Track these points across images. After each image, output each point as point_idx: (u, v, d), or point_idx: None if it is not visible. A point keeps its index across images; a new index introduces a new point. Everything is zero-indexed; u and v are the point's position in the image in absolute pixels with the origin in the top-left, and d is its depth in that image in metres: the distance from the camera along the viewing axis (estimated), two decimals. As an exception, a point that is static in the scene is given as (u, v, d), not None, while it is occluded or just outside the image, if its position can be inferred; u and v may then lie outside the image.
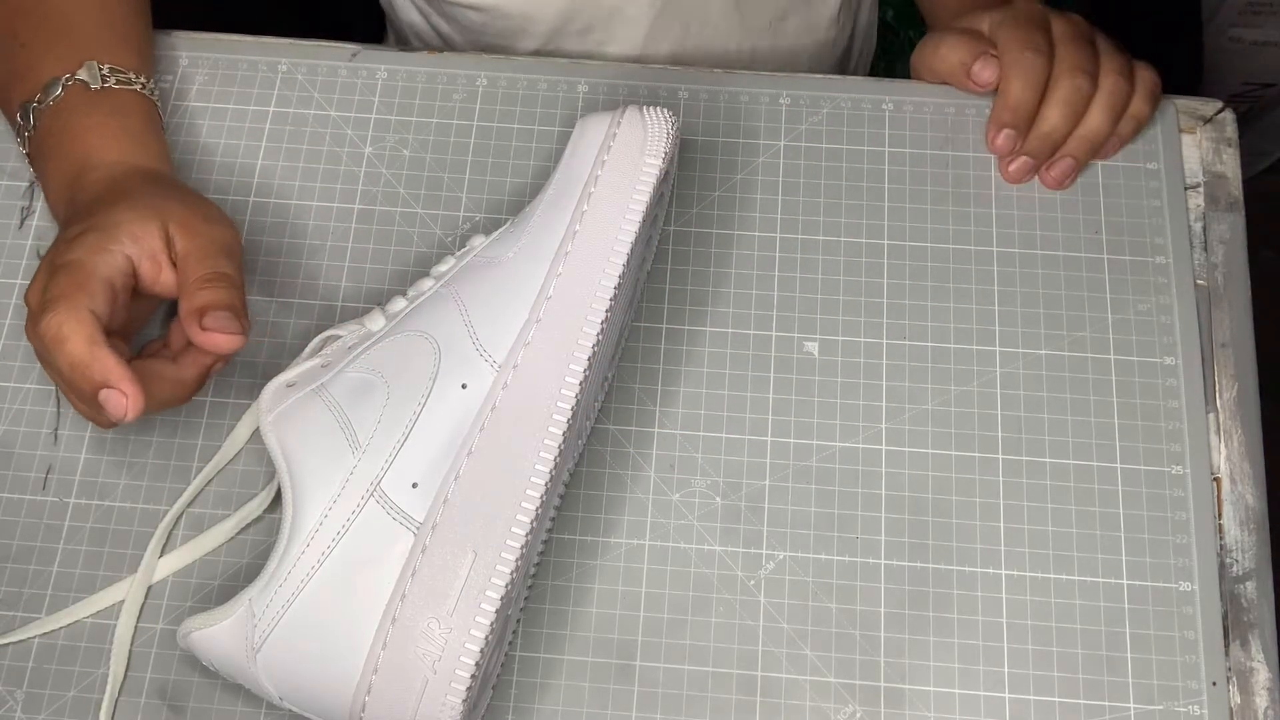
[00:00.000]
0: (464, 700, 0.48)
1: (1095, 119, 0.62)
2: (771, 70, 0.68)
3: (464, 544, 0.49)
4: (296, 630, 0.49)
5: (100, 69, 0.59)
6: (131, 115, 0.60)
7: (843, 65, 0.84)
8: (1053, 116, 0.62)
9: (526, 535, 0.49)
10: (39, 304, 0.53)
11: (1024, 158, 0.63)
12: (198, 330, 0.53)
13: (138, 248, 0.54)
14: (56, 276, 0.53)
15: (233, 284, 0.55)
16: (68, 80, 0.59)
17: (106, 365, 0.51)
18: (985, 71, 0.63)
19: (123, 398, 0.51)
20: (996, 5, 0.65)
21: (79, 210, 0.57)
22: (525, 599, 0.56)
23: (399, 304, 0.56)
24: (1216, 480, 0.58)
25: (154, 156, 0.60)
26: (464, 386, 0.52)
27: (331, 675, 0.49)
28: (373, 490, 0.50)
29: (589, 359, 0.52)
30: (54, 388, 0.60)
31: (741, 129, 0.65)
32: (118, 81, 0.60)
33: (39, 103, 0.59)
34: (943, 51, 0.65)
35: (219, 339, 0.53)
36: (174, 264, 0.55)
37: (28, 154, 0.61)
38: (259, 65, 0.67)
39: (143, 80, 0.61)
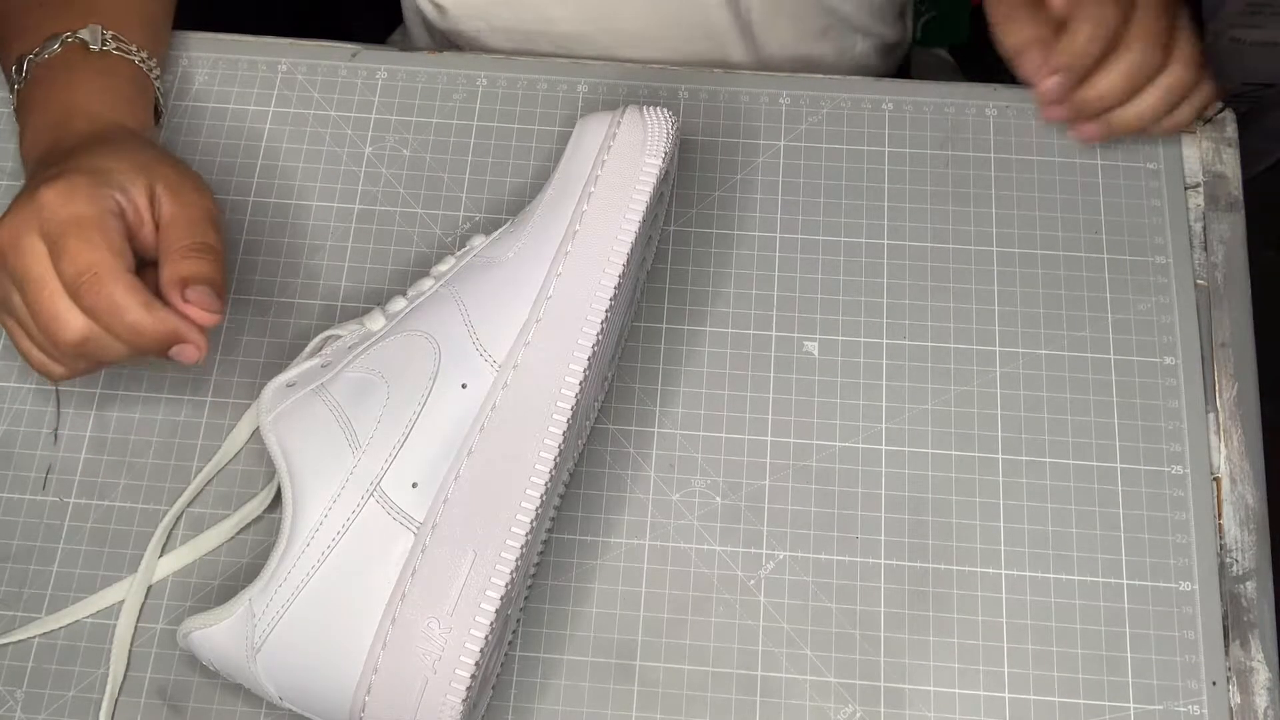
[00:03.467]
0: (464, 700, 0.47)
1: (1150, 100, 0.59)
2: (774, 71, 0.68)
3: (464, 544, 0.49)
4: (296, 630, 0.49)
5: (104, 33, 0.59)
6: (124, 81, 0.59)
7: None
8: (1110, 80, 0.59)
9: (526, 535, 0.49)
10: (73, 275, 0.51)
11: (1063, 107, 0.60)
12: (178, 299, 0.53)
13: (125, 199, 0.53)
14: (73, 240, 0.51)
15: (218, 258, 0.55)
16: (68, 38, 0.58)
17: (171, 321, 0.52)
18: None
19: (195, 349, 0.53)
20: None
21: (59, 154, 0.55)
22: (525, 599, 0.56)
23: (399, 304, 0.56)
24: (1216, 480, 0.58)
25: (141, 123, 0.60)
26: (464, 386, 0.52)
27: (331, 675, 0.49)
28: (373, 490, 0.50)
29: (589, 359, 0.52)
30: (54, 388, 0.60)
31: (741, 129, 0.65)
32: (118, 48, 0.59)
33: (35, 55, 0.58)
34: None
35: (197, 313, 0.53)
36: (155, 225, 0.54)
37: (15, 108, 0.60)
38: (259, 65, 0.67)
39: (144, 55, 0.60)
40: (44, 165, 0.55)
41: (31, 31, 0.60)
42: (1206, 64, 0.60)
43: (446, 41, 0.77)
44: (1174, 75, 0.59)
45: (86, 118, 0.57)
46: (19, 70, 0.59)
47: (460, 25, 0.74)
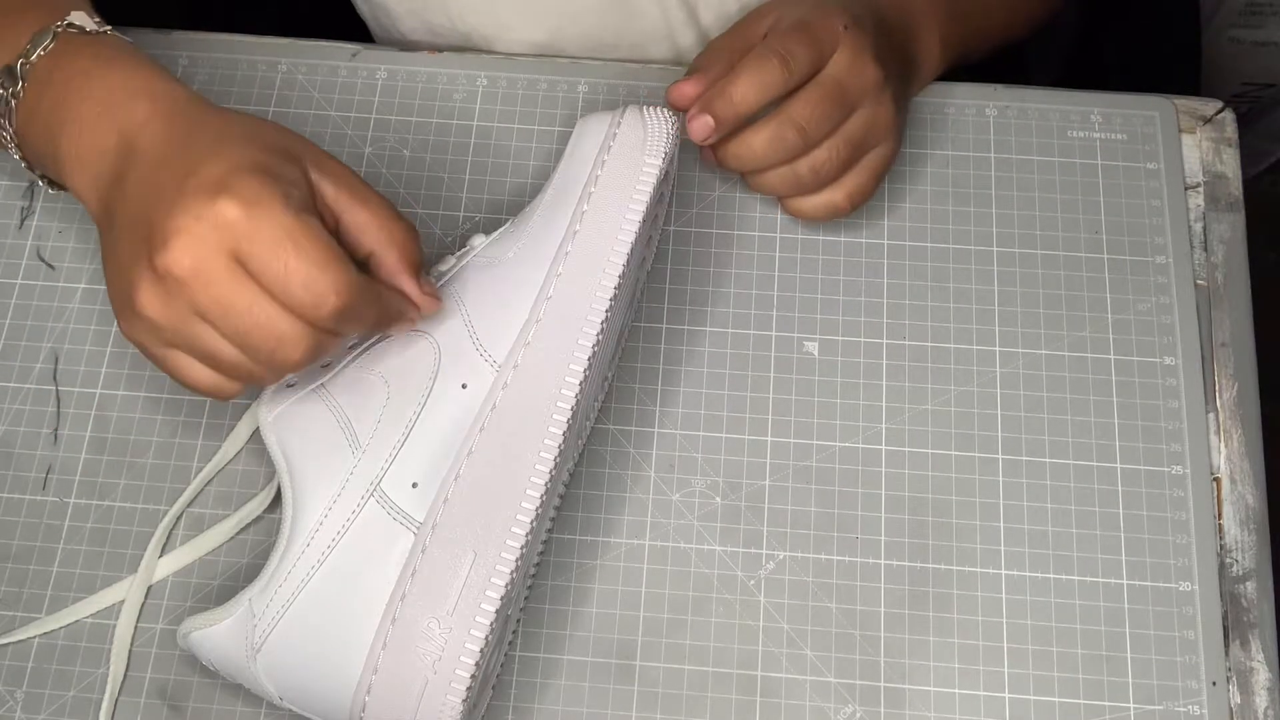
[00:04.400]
0: (464, 700, 0.48)
1: (784, 177, 0.58)
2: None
3: (464, 544, 0.49)
4: (296, 630, 0.49)
5: (93, 17, 0.53)
6: (143, 55, 0.53)
7: None
8: (754, 143, 0.57)
9: (526, 535, 0.49)
10: (303, 299, 0.46)
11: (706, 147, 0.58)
12: (419, 293, 0.51)
13: (301, 192, 0.48)
14: (293, 260, 0.45)
15: (415, 232, 0.52)
16: (58, 27, 0.52)
17: (398, 310, 0.51)
18: (685, 85, 0.57)
19: (411, 324, 0.52)
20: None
21: (151, 141, 0.49)
22: (525, 599, 0.56)
23: (399, 304, 0.56)
24: (1216, 480, 0.58)
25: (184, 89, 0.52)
26: (464, 386, 0.52)
27: (331, 675, 0.49)
28: (373, 490, 0.50)
29: (589, 359, 0.52)
30: (54, 388, 0.60)
31: (741, 129, 0.65)
32: (111, 31, 0.54)
33: (27, 57, 0.52)
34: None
35: (431, 303, 0.52)
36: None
37: (13, 129, 0.53)
38: (259, 65, 0.67)
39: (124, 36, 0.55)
40: (140, 174, 0.48)
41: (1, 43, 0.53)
42: (861, 198, 0.60)
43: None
44: (832, 198, 0.59)
45: (146, 95, 0.50)
46: (9, 80, 0.52)
47: (402, 26, 0.72)
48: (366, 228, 0.50)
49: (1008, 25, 0.71)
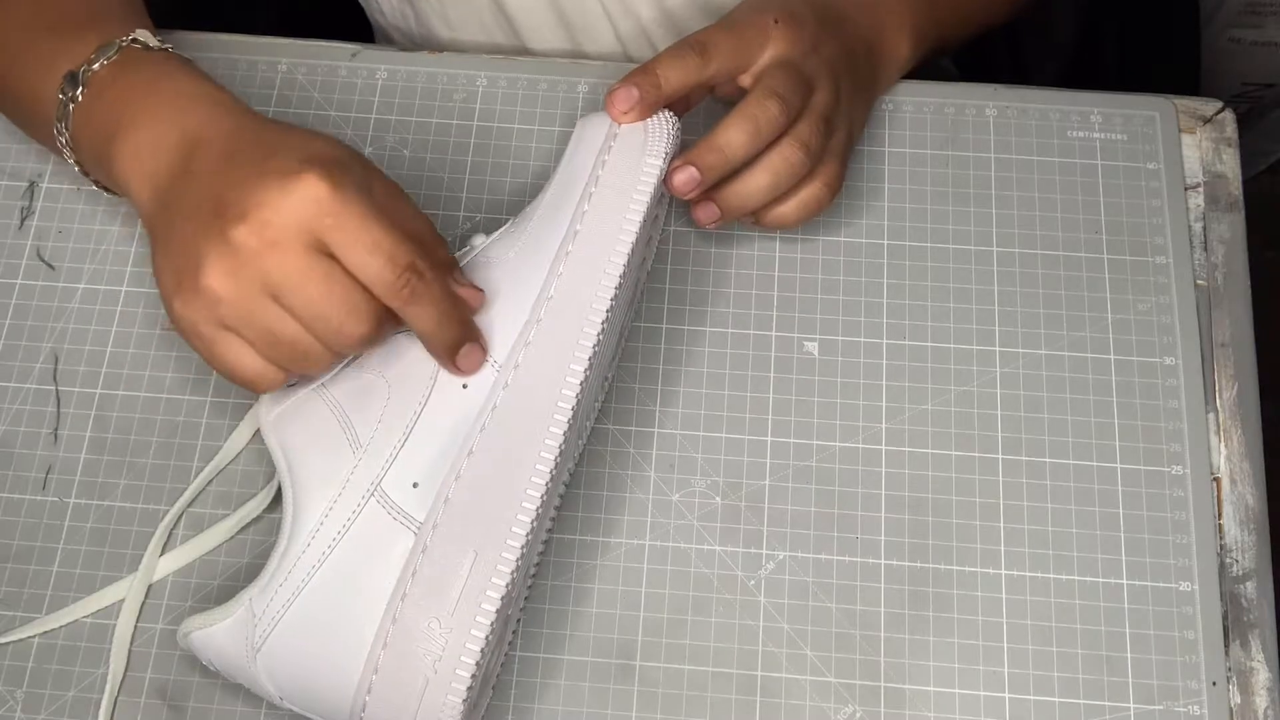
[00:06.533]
0: (464, 700, 0.48)
1: (775, 201, 0.58)
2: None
3: (465, 544, 0.49)
4: (297, 630, 0.49)
5: (156, 35, 0.55)
6: (203, 72, 0.55)
7: None
8: (751, 187, 0.57)
9: (527, 535, 0.49)
10: (382, 268, 0.47)
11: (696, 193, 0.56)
12: (464, 290, 0.52)
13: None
14: (376, 232, 0.47)
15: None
16: (123, 42, 0.54)
17: (467, 316, 0.51)
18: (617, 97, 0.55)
19: (482, 352, 0.52)
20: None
21: (224, 139, 0.50)
22: (525, 599, 0.56)
23: (399, 304, 0.56)
24: (1216, 480, 0.58)
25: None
26: (465, 386, 0.52)
27: (332, 675, 0.49)
28: (373, 490, 0.50)
29: (589, 359, 0.52)
30: (54, 388, 0.60)
31: (741, 129, 0.65)
32: (174, 49, 0.56)
33: (90, 64, 0.53)
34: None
35: (480, 295, 0.52)
36: None
37: (70, 132, 0.54)
38: (259, 65, 0.67)
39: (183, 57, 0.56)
40: (209, 165, 0.50)
41: (60, 55, 0.55)
42: (837, 183, 0.59)
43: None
44: (811, 192, 0.58)
45: (212, 101, 0.52)
46: (70, 85, 0.54)
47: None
48: (420, 239, 0.51)
49: (987, 8, 0.70)
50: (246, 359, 0.49)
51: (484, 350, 0.52)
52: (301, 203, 0.46)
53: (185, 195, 0.50)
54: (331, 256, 0.47)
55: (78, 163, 0.56)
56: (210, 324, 0.49)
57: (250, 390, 0.51)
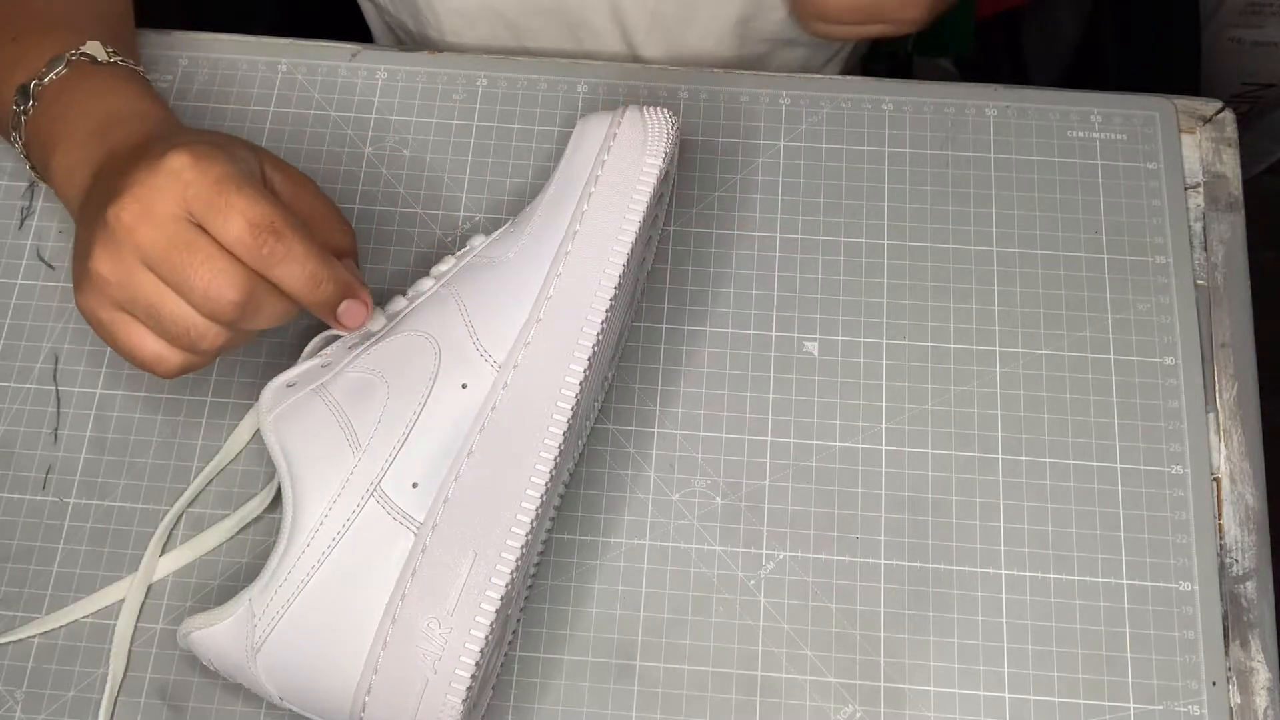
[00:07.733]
0: (464, 700, 0.48)
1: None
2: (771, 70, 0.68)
3: (464, 544, 0.49)
4: (296, 630, 0.49)
5: (106, 48, 0.57)
6: (145, 85, 0.57)
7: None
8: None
9: (526, 535, 0.49)
10: (241, 231, 0.48)
11: None
12: (361, 284, 0.53)
13: (250, 168, 0.51)
14: (236, 197, 0.48)
15: (354, 234, 0.56)
16: (73, 55, 0.56)
17: (345, 274, 0.51)
18: None
19: (364, 306, 0.52)
20: None
21: (129, 151, 0.52)
22: (525, 599, 0.56)
23: (399, 304, 0.56)
24: (1216, 480, 0.58)
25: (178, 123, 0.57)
26: (464, 386, 0.52)
27: (331, 675, 0.49)
28: (373, 490, 0.50)
29: (589, 359, 0.52)
30: (54, 388, 0.60)
31: (741, 129, 0.65)
32: (121, 60, 0.57)
33: (40, 79, 0.56)
34: None
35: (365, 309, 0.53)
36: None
37: (22, 141, 0.57)
38: (259, 65, 0.67)
39: (141, 69, 0.59)
40: (113, 166, 0.52)
41: (18, 64, 0.57)
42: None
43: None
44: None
45: (138, 116, 0.54)
46: (21, 99, 0.56)
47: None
48: (312, 220, 0.53)
49: None
50: (144, 341, 0.50)
51: (366, 304, 0.52)
52: (165, 176, 0.48)
53: (92, 200, 0.52)
54: (201, 228, 0.49)
55: (32, 169, 0.58)
56: (106, 308, 0.50)
57: (153, 374, 0.51)
